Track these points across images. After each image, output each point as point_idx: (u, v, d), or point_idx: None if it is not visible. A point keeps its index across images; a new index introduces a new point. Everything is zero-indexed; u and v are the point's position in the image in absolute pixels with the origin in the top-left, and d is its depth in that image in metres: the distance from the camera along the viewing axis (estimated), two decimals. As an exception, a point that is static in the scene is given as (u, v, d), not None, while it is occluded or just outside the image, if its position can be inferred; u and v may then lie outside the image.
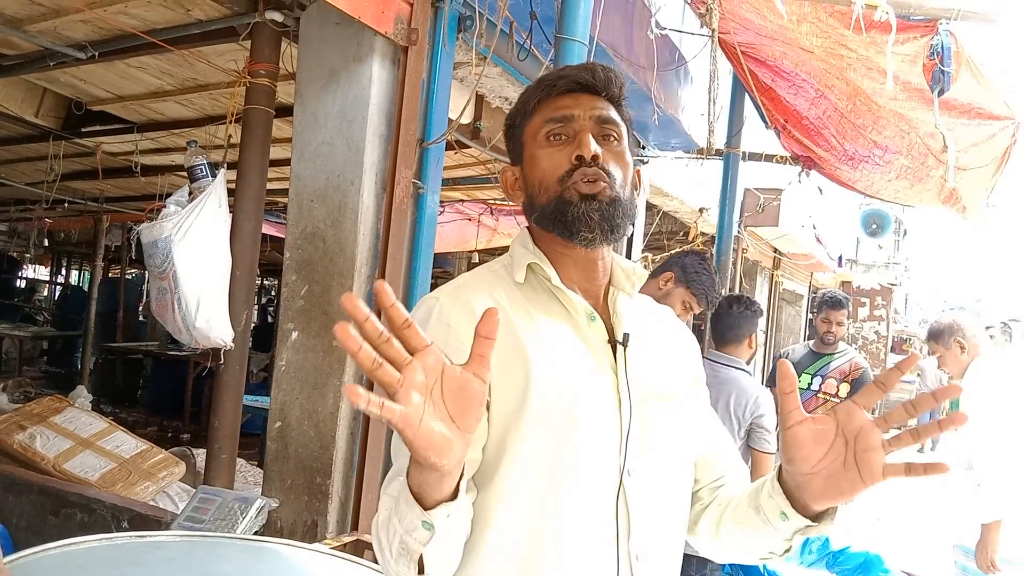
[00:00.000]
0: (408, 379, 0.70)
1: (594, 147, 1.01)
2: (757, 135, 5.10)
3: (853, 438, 0.87)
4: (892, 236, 14.05)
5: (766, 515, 0.97)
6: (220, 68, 3.07)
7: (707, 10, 3.22)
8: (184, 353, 7.55)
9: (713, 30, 3.23)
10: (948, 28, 2.87)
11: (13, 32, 3.03)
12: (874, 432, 0.86)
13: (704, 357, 2.51)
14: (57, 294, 14.62)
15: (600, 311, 1.07)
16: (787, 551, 1.01)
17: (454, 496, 0.81)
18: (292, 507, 2.50)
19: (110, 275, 11.99)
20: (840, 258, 12.27)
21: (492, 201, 5.85)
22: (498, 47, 2.62)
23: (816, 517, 0.94)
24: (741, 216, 6.64)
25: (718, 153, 5.02)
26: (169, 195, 2.66)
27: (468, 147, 3.71)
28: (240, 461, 4.00)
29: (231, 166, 2.69)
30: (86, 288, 11.85)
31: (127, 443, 3.48)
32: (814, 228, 9.11)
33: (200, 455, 3.79)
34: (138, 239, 2.60)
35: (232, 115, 2.77)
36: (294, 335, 2.53)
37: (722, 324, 2.93)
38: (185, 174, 2.70)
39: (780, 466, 0.95)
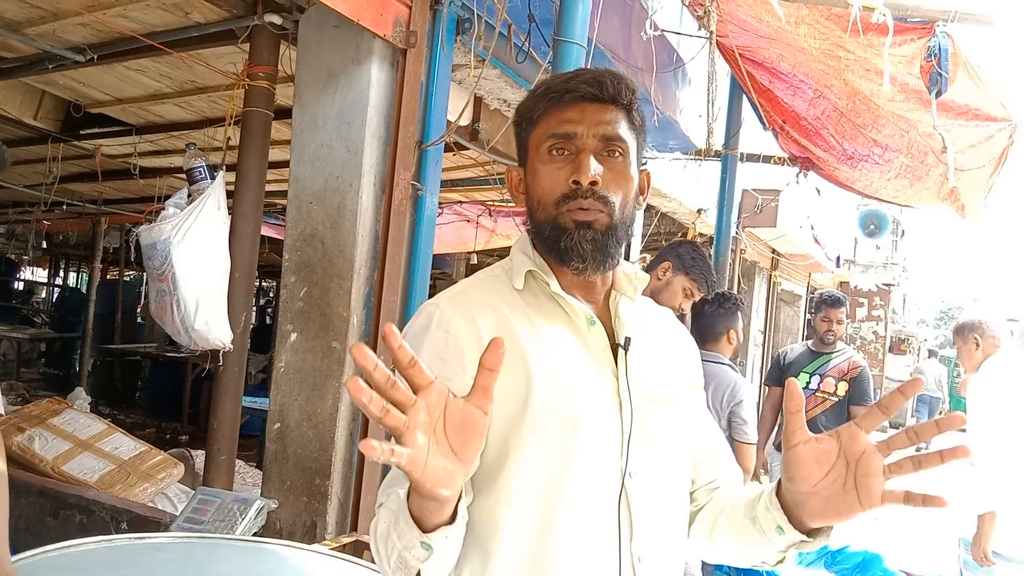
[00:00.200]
0: (413, 420, 0.72)
1: (594, 170, 0.99)
2: (755, 136, 5.11)
3: (855, 461, 0.88)
4: (890, 236, 14.08)
5: (762, 527, 0.98)
6: (219, 71, 3.08)
7: (705, 12, 3.23)
8: (182, 355, 7.55)
9: (711, 32, 3.24)
10: (945, 30, 2.88)
11: (12, 35, 3.03)
12: (875, 457, 0.87)
13: None
14: (55, 296, 14.61)
15: (601, 314, 1.07)
16: (780, 561, 1.02)
17: (452, 520, 0.83)
18: (291, 508, 2.50)
19: (108, 277, 11.98)
20: (838, 258, 12.29)
21: (490, 202, 5.85)
22: (496, 49, 2.63)
23: (811, 532, 0.95)
24: (739, 217, 6.65)
25: (716, 154, 5.03)
26: (168, 197, 2.67)
27: (466, 149, 3.71)
28: (239, 462, 4.01)
29: (230, 168, 2.69)
30: (84, 290, 11.84)
31: (126, 445, 3.49)
32: (812, 229, 9.12)
33: (199, 456, 3.79)
34: (137, 241, 2.60)
35: (231, 117, 2.77)
36: (293, 336, 2.53)
37: (699, 324, 2.98)
38: (184, 176, 2.70)
39: (779, 481, 0.96)
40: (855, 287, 13.60)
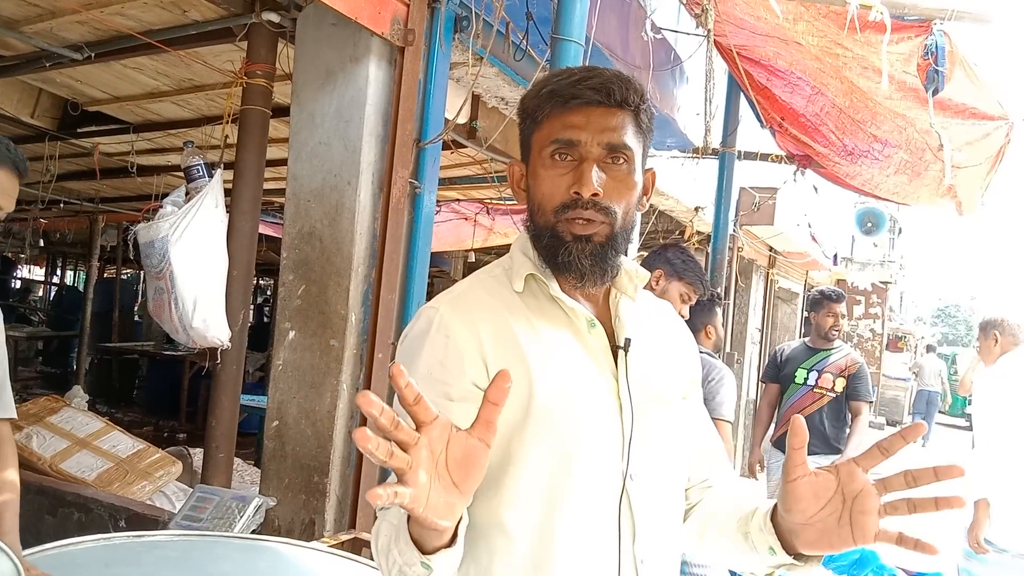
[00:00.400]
0: (415, 459, 0.73)
1: (595, 181, 0.98)
2: (752, 134, 5.12)
3: (852, 498, 0.89)
4: (887, 234, 14.09)
5: (754, 544, 1.00)
6: (217, 69, 3.07)
7: (702, 11, 3.23)
8: (180, 353, 7.54)
9: (709, 31, 3.24)
10: (942, 28, 2.89)
11: (9, 33, 3.03)
12: (872, 496, 0.88)
13: None
14: (52, 294, 14.58)
15: (601, 314, 1.07)
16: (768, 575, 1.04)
17: (452, 543, 0.84)
18: (290, 506, 2.50)
19: (106, 275, 11.96)
20: (835, 256, 12.31)
21: (488, 200, 5.85)
22: (494, 47, 2.63)
23: (801, 556, 0.97)
24: (736, 215, 6.65)
25: (714, 152, 5.04)
26: (165, 195, 2.66)
27: (464, 147, 3.71)
28: (237, 460, 4.00)
29: (228, 166, 2.69)
30: (82, 288, 11.83)
31: (124, 443, 3.48)
32: (809, 226, 9.13)
33: (197, 454, 3.79)
34: (135, 239, 2.60)
35: (229, 115, 2.77)
36: (291, 334, 2.53)
37: None
38: (182, 174, 2.70)
39: (775, 505, 0.98)
40: (852, 284, 13.60)
